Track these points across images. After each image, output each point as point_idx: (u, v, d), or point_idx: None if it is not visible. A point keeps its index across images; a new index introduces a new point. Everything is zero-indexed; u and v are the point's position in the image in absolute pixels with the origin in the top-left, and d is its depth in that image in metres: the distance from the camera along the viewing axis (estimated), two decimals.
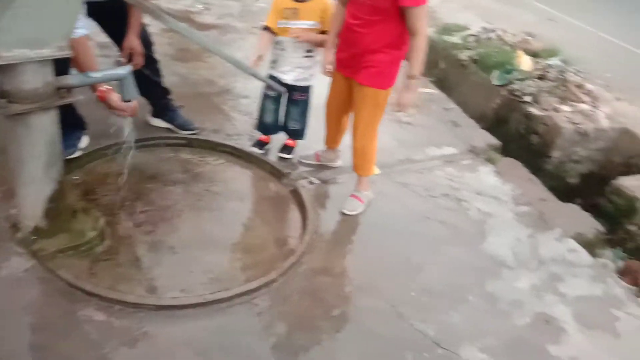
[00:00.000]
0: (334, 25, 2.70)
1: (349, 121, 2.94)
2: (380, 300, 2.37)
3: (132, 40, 2.77)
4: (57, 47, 1.85)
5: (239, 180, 3.07)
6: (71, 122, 2.94)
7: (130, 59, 2.79)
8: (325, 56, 2.75)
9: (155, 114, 3.26)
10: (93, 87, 2.31)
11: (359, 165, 2.88)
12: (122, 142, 2.90)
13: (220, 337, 2.07)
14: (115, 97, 2.31)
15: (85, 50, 2.35)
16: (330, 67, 2.74)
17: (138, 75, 3.05)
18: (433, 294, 2.46)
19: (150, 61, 3.06)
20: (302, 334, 2.16)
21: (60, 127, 2.96)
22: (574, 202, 3.61)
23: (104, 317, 2.03)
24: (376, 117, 2.74)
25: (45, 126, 1.97)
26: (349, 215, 2.85)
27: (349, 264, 2.61)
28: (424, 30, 2.47)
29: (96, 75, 2.06)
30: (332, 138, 3.10)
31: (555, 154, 4.09)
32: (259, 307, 2.23)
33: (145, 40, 3.01)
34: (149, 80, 3.08)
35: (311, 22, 2.83)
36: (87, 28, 2.43)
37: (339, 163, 3.21)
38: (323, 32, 2.81)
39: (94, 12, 2.56)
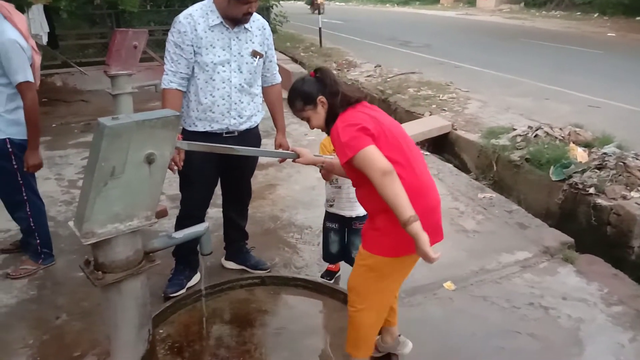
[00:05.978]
0: None
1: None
2: None
3: (282, 138, 3.12)
4: (145, 217, 2.02)
5: (313, 314, 3.06)
6: (185, 261, 3.15)
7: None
8: None
9: (229, 257, 3.39)
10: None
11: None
12: (199, 291, 3.05)
13: None
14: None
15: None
16: None
17: (225, 217, 3.30)
18: None
19: (242, 206, 3.30)
20: None
21: (176, 264, 3.19)
22: None
23: None
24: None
25: (136, 291, 2.08)
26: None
27: None
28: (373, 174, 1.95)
29: (179, 235, 2.19)
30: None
31: (636, 243, 3.89)
32: None
33: (248, 190, 3.28)
34: (233, 223, 3.29)
35: None
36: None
37: (407, 350, 2.58)
38: None
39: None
